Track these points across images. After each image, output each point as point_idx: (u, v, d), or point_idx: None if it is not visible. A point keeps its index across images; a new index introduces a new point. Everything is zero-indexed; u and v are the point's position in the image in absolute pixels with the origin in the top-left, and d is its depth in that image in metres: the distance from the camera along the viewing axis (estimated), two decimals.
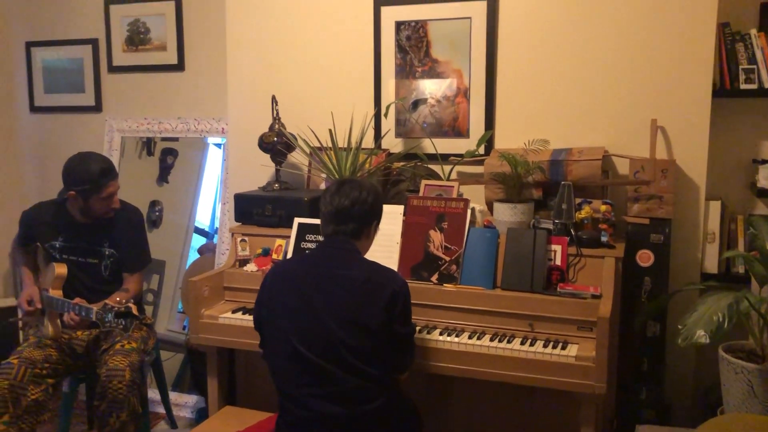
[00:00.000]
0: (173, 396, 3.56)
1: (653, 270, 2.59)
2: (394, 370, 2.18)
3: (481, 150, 2.91)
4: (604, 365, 2.19)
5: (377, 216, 2.25)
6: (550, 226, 2.58)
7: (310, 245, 2.74)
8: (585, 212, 2.58)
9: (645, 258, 2.61)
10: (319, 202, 2.27)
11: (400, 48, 3.04)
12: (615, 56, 2.76)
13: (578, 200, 2.61)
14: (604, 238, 2.52)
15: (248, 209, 2.99)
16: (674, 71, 2.69)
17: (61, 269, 2.83)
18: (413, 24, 3.01)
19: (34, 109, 4.10)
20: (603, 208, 2.57)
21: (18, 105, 4.14)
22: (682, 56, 2.67)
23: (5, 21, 4.08)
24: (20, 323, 3.10)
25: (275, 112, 3.08)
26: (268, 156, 3.10)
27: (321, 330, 2.03)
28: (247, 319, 2.65)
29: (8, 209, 3.94)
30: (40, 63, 4.04)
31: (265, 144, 3.05)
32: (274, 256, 2.84)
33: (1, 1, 4.06)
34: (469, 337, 2.42)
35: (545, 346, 2.33)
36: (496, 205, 2.66)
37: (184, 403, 3.58)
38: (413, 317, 2.51)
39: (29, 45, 4.04)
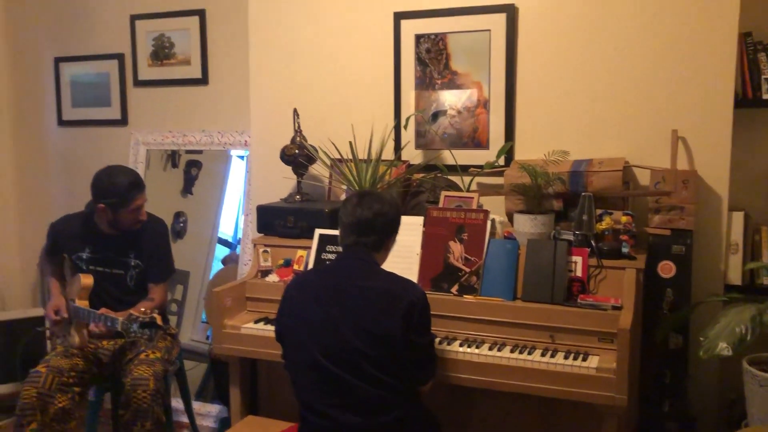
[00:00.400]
0: (196, 405, 3.59)
1: (675, 281, 2.58)
2: (415, 381, 2.19)
3: (501, 161, 2.92)
4: (625, 377, 2.18)
5: (396, 229, 2.28)
6: (571, 238, 2.57)
7: (330, 256, 2.76)
8: (606, 223, 2.58)
9: (667, 269, 2.59)
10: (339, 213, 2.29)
11: (419, 60, 3.07)
12: (635, 66, 2.76)
13: (599, 211, 2.61)
14: (625, 250, 2.52)
15: (270, 220, 3.03)
16: (695, 81, 2.68)
17: (87, 280, 2.88)
18: (433, 37, 3.04)
19: (61, 122, 4.19)
20: (624, 219, 2.57)
21: (46, 118, 4.23)
22: (703, 66, 2.66)
23: (35, 37, 4.19)
24: (47, 333, 3.17)
25: (297, 125, 3.12)
26: (289, 168, 3.13)
27: (340, 340, 2.05)
28: (269, 330, 2.67)
29: (36, 221, 4.02)
30: (68, 78, 4.13)
31: (286, 156, 3.09)
32: (296, 266, 2.87)
33: (32, 18, 4.17)
34: (490, 349, 2.43)
35: (566, 357, 2.33)
36: (516, 216, 2.67)
37: (207, 412, 3.62)
38: (433, 328, 2.52)
39: (58, 60, 4.13)
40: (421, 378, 2.21)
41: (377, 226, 2.18)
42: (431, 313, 2.51)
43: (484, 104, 2.99)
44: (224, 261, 3.85)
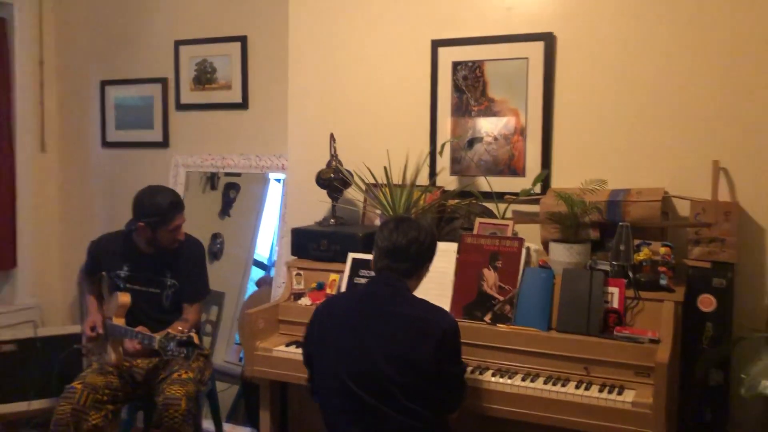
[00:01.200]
0: (228, 427, 3.60)
1: (715, 315, 2.51)
2: (444, 409, 2.17)
3: (537, 189, 2.90)
4: (662, 413, 2.12)
5: (430, 258, 2.26)
6: (608, 268, 2.53)
7: (363, 280, 2.76)
8: (644, 254, 2.53)
9: (707, 303, 2.53)
10: (373, 237, 2.29)
11: (456, 87, 3.08)
12: (675, 95, 2.72)
13: (637, 242, 2.56)
14: (663, 281, 2.46)
15: (304, 243, 3.05)
16: (738, 111, 2.63)
17: (124, 298, 2.93)
18: (470, 64, 3.05)
19: (105, 144, 4.29)
20: (662, 250, 2.51)
21: (91, 140, 4.34)
22: (746, 95, 2.62)
23: (84, 61, 4.32)
24: (84, 349, 3.22)
25: (333, 149, 3.15)
26: (325, 192, 3.16)
27: (370, 367, 2.03)
28: (300, 353, 2.67)
29: (78, 240, 4.10)
30: (112, 101, 4.24)
31: (322, 180, 3.11)
32: (328, 290, 2.87)
33: (80, 42, 4.31)
34: (523, 380, 2.39)
35: (600, 390, 2.27)
36: (552, 245, 2.64)
37: None
38: (465, 357, 2.50)
39: (104, 83, 4.25)
40: (450, 406, 2.18)
41: (411, 253, 2.17)
42: (463, 341, 2.50)
43: (520, 132, 2.98)
44: (258, 283, 3.87)
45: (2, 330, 3.93)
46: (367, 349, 2.05)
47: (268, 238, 3.89)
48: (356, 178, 3.09)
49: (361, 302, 2.18)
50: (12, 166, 4.14)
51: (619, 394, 2.24)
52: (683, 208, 2.70)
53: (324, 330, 2.18)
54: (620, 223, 2.52)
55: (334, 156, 3.15)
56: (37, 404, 3.74)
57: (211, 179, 3.98)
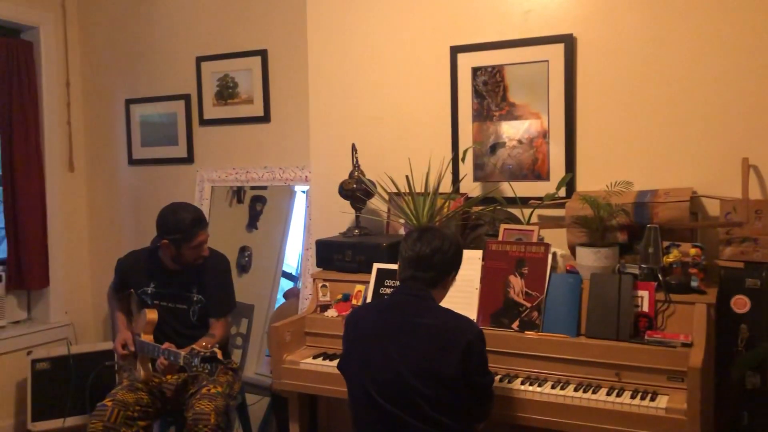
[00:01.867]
0: None
1: (750, 317, 2.44)
2: (472, 419, 2.14)
3: (562, 193, 2.86)
4: (697, 418, 2.07)
5: (456, 267, 2.23)
6: (636, 271, 2.48)
7: (388, 290, 2.75)
8: (673, 256, 2.47)
9: (741, 304, 2.46)
10: (398, 247, 2.28)
11: (476, 93, 3.06)
12: (702, 92, 2.67)
13: (666, 244, 2.50)
14: (694, 284, 2.41)
15: (329, 255, 3.04)
16: (766, 106, 2.56)
17: (152, 315, 2.95)
18: (490, 69, 3.02)
19: (132, 161, 4.35)
20: (692, 251, 2.46)
21: (118, 158, 4.41)
22: None
23: (109, 81, 4.39)
24: (116, 366, 3.25)
25: (355, 160, 3.14)
26: (348, 203, 3.15)
27: (396, 379, 2.01)
28: (328, 365, 2.67)
29: (107, 257, 4.17)
30: (138, 118, 4.30)
31: (345, 191, 3.11)
32: (354, 301, 2.86)
33: (105, 64, 4.38)
34: (553, 387, 2.35)
35: (633, 397, 2.23)
36: (579, 250, 2.59)
37: None
38: (494, 365, 2.47)
39: (128, 102, 4.31)
40: (478, 416, 2.16)
41: (435, 263, 2.15)
42: (491, 349, 2.47)
43: (543, 135, 2.95)
44: (286, 295, 3.88)
45: (37, 348, 4.00)
46: (392, 360, 2.03)
47: (296, 250, 3.90)
48: (379, 188, 3.08)
49: (385, 313, 2.16)
50: (42, 187, 4.21)
51: (652, 400, 2.19)
52: (713, 208, 2.64)
53: (350, 341, 2.18)
54: (648, 225, 2.48)
55: (356, 166, 3.14)
56: (71, 421, 3.79)
57: (238, 193, 4.01)
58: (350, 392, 2.17)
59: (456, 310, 2.54)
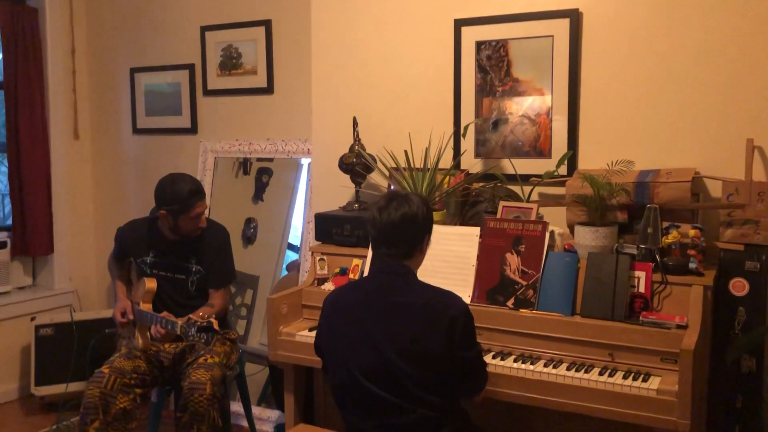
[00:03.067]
0: (257, 410, 3.64)
1: (748, 300, 2.42)
2: (466, 394, 2.14)
3: (563, 170, 2.82)
4: (688, 400, 2.06)
5: (429, 230, 2.16)
6: (634, 251, 2.46)
7: None
8: (672, 237, 2.45)
9: (739, 287, 2.44)
10: None
11: (480, 67, 3.01)
12: (707, 72, 2.62)
13: (665, 224, 2.48)
14: (692, 265, 2.38)
15: (328, 228, 3.04)
16: None
17: (151, 284, 2.97)
18: (494, 44, 2.98)
19: (136, 131, 4.35)
20: (692, 232, 2.43)
21: (122, 127, 4.41)
22: None
23: (113, 50, 4.38)
24: (116, 334, 3.28)
25: (356, 134, 3.12)
26: (348, 177, 3.13)
27: (381, 361, 1.99)
28: None
29: (111, 225, 4.15)
30: (142, 87, 4.29)
31: (344, 165, 3.09)
32: (351, 275, 2.86)
33: (110, 32, 4.36)
34: (545, 365, 2.34)
35: (625, 377, 2.22)
36: (577, 228, 2.57)
37: (267, 417, 3.66)
38: (487, 342, 2.48)
39: (133, 71, 4.30)
40: (472, 390, 2.15)
41: (407, 232, 2.08)
42: (485, 326, 2.47)
43: (546, 112, 2.91)
44: (289, 267, 3.89)
45: (41, 314, 4.05)
46: (376, 342, 2.00)
47: (301, 223, 3.90)
48: (379, 163, 3.06)
49: (366, 294, 2.11)
50: (47, 155, 4.23)
51: (645, 381, 2.18)
52: (715, 189, 2.60)
53: (331, 324, 2.14)
54: (648, 206, 2.45)
55: (357, 140, 3.12)
56: (74, 386, 3.85)
57: (244, 164, 4.00)
58: (332, 375, 2.13)
59: (452, 287, 2.54)
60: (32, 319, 3.95)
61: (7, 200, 4.31)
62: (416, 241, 2.12)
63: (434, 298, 2.04)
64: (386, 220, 2.07)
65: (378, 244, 2.12)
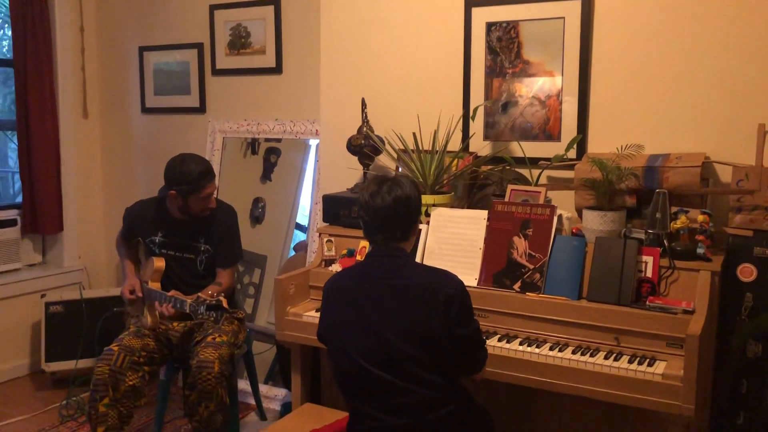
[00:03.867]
0: (265, 389, 3.68)
1: (756, 286, 2.41)
2: (467, 372, 2.15)
3: (572, 154, 2.81)
4: (693, 385, 2.06)
5: (420, 211, 2.18)
6: (642, 236, 2.46)
7: None
8: (681, 222, 2.44)
9: (747, 273, 2.43)
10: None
11: (490, 49, 2.99)
12: (718, 56, 2.59)
13: (674, 209, 2.47)
14: (700, 250, 2.37)
15: (335, 210, 3.04)
16: None
17: (159, 263, 2.99)
18: (504, 25, 2.95)
19: (145, 110, 4.35)
20: (700, 218, 2.42)
21: (131, 106, 4.41)
22: None
23: (122, 28, 4.36)
24: (124, 312, 3.31)
25: (364, 115, 3.11)
26: (356, 159, 3.13)
27: (381, 344, 2.00)
28: None
29: (120, 204, 4.17)
30: (151, 66, 4.28)
31: (353, 146, 3.09)
32: (358, 257, 2.87)
33: (119, 10, 4.35)
34: (551, 349, 2.35)
35: (630, 361, 2.22)
36: (585, 213, 2.57)
37: (275, 395, 3.69)
38: (494, 325, 2.50)
39: (142, 49, 4.29)
40: (473, 367, 2.16)
41: (400, 217, 2.07)
42: (491, 308, 2.48)
43: (556, 95, 2.89)
44: (296, 248, 3.90)
45: (51, 292, 4.09)
46: (374, 325, 2.01)
47: (309, 203, 3.90)
48: (387, 145, 3.05)
49: (363, 278, 2.11)
50: (56, 133, 4.24)
51: (650, 365, 2.19)
52: (725, 175, 2.59)
53: (331, 308, 2.15)
54: (657, 190, 2.44)
55: (365, 122, 3.11)
56: (83, 363, 3.89)
57: (252, 144, 4.00)
58: (335, 360, 2.13)
59: (458, 269, 2.56)
60: (42, 296, 3.99)
61: (17, 178, 4.33)
62: (409, 223, 2.12)
63: (430, 278, 2.05)
64: (379, 204, 2.06)
65: (373, 231, 2.11)
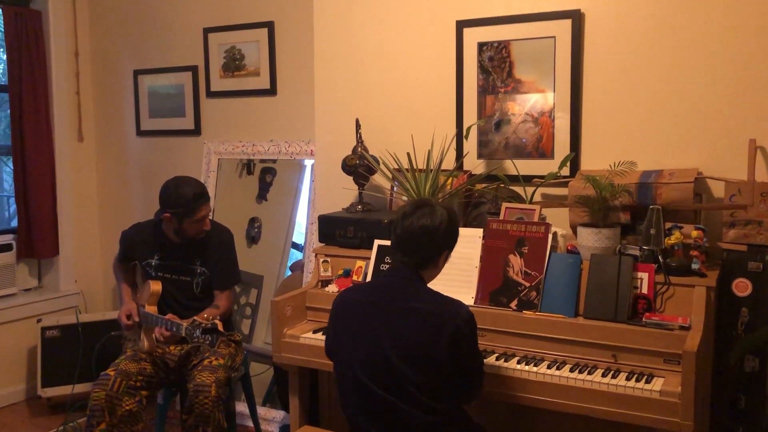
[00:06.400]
0: (263, 411, 3.66)
1: (751, 300, 2.42)
2: (462, 400, 2.15)
3: (566, 171, 2.83)
4: (691, 402, 2.06)
5: (449, 246, 2.17)
6: (637, 253, 2.46)
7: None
8: (675, 238, 2.45)
9: (742, 287, 2.44)
10: None
11: (482, 69, 3.02)
12: (709, 72, 2.61)
13: (668, 225, 2.48)
14: (695, 266, 2.38)
15: (331, 230, 3.05)
16: None
17: (156, 286, 2.99)
18: (496, 44, 2.98)
19: (140, 132, 4.36)
20: (694, 233, 2.43)
21: (126, 129, 4.42)
22: None
23: (116, 52, 4.39)
24: (121, 337, 3.30)
25: (358, 135, 3.13)
26: (351, 178, 3.14)
27: (386, 364, 2.00)
28: None
29: (116, 227, 4.17)
30: (146, 89, 4.30)
31: (348, 167, 3.10)
32: (355, 277, 2.87)
33: (113, 34, 4.38)
34: (548, 367, 2.35)
35: (628, 378, 2.22)
36: (580, 230, 2.58)
37: (272, 418, 3.68)
38: (491, 344, 2.50)
39: (136, 73, 4.31)
40: (469, 397, 2.17)
41: (423, 243, 2.08)
42: (488, 327, 2.48)
43: (548, 113, 2.91)
44: (293, 267, 3.90)
45: (47, 316, 4.07)
46: (380, 345, 2.01)
47: (305, 222, 3.91)
48: (382, 165, 3.07)
49: (374, 297, 2.12)
50: (51, 157, 4.25)
51: (648, 382, 2.19)
52: (718, 190, 2.60)
53: (339, 325, 2.15)
54: (651, 206, 2.45)
55: (359, 142, 3.13)
56: (80, 388, 3.87)
57: (248, 165, 4.01)
58: (339, 376, 2.14)
59: (455, 288, 2.57)
60: (38, 320, 3.97)
61: (12, 202, 4.33)
62: (431, 254, 2.12)
63: (440, 306, 2.05)
64: (406, 227, 2.08)
65: (395, 249, 2.14)
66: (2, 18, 4.09)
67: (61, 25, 4.29)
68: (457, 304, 2.07)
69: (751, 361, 2.44)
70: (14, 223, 4.33)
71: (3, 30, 4.08)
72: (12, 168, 4.21)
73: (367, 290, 2.22)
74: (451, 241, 2.17)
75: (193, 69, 4.08)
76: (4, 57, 4.17)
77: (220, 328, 2.65)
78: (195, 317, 2.74)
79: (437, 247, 2.13)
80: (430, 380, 1.98)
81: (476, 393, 2.18)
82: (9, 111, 4.13)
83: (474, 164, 3.06)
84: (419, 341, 1.99)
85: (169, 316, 2.83)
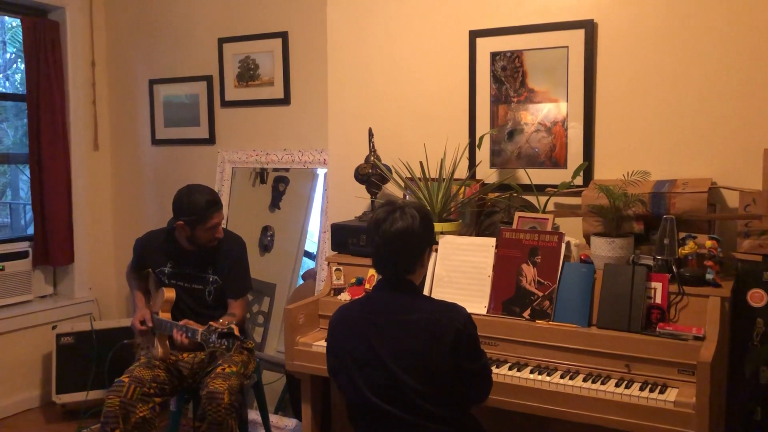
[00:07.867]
0: (275, 419, 3.66)
1: (766, 311, 2.40)
2: (471, 403, 2.14)
3: (579, 181, 2.83)
4: (706, 413, 2.05)
5: (430, 242, 2.13)
6: (651, 262, 2.45)
7: None
8: (689, 248, 2.44)
9: (757, 298, 2.42)
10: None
11: (495, 78, 3.03)
12: (723, 81, 2.61)
13: (682, 235, 2.47)
14: (709, 276, 2.37)
15: (344, 239, 3.06)
16: None
17: (170, 293, 3.01)
18: (509, 54, 2.99)
19: (155, 141, 4.40)
20: (708, 243, 2.42)
21: (141, 138, 4.46)
22: None
23: (132, 62, 4.44)
24: (134, 344, 3.31)
25: (371, 144, 3.14)
26: (364, 187, 3.16)
27: (390, 379, 1.98)
28: None
29: (130, 235, 4.19)
30: (161, 99, 4.34)
31: (360, 175, 3.11)
32: (367, 285, 2.88)
33: (129, 44, 4.43)
34: (561, 377, 2.34)
35: (642, 389, 2.21)
36: (593, 239, 2.57)
37: (285, 426, 3.68)
38: (504, 353, 2.49)
39: (152, 82, 4.35)
40: (477, 398, 2.14)
41: (405, 249, 2.05)
42: (501, 337, 2.48)
43: (561, 122, 2.91)
44: (305, 276, 3.91)
45: (62, 323, 4.10)
46: (383, 361, 1.99)
47: (317, 230, 3.92)
48: (394, 174, 3.08)
49: (371, 312, 2.08)
50: (67, 165, 4.30)
51: (662, 392, 2.18)
52: (732, 200, 2.59)
53: (338, 342, 2.13)
54: (664, 216, 2.44)
55: (372, 151, 3.14)
56: (94, 394, 3.89)
57: (261, 173, 4.04)
58: (346, 395, 2.12)
59: (467, 297, 2.57)
60: (53, 327, 4.01)
61: (29, 209, 4.38)
62: (414, 255, 2.09)
63: (438, 314, 2.02)
64: (383, 235, 2.04)
65: (378, 262, 2.10)
66: (21, 28, 4.15)
67: (78, 36, 4.34)
68: (454, 310, 2.05)
69: (766, 372, 2.42)
70: (30, 231, 4.38)
71: (21, 40, 4.14)
72: (29, 176, 4.26)
73: (361, 306, 2.16)
74: (429, 236, 2.13)
75: (208, 79, 4.12)
76: (23, 66, 4.22)
77: (237, 332, 2.65)
78: (211, 323, 2.75)
79: (418, 247, 2.09)
80: (436, 389, 1.97)
81: (485, 395, 2.16)
82: (27, 120, 4.18)
83: (487, 173, 3.07)
84: (421, 352, 1.97)
85: (184, 321, 2.85)
